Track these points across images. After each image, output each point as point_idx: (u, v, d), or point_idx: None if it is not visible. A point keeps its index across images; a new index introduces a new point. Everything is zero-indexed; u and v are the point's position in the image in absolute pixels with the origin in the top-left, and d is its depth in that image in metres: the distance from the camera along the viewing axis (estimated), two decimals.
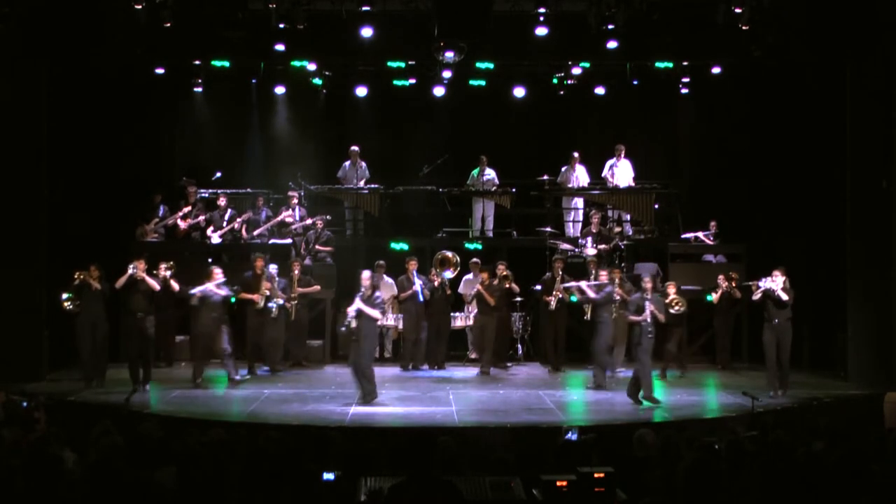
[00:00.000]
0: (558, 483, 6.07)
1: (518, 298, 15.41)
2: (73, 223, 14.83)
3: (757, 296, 13.11)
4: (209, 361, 13.81)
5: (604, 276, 14.11)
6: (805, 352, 15.48)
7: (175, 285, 14.31)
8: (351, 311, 12.23)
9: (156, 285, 13.41)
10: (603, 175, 17.19)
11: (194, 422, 10.50)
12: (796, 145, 15.73)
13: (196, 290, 13.50)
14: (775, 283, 12.89)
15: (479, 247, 16.33)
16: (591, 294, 14.13)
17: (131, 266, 13.26)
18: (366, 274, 12.74)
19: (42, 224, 14.01)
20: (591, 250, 15.88)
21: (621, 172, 17.10)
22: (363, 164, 17.18)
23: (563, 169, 17.31)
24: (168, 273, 14.16)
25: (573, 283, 14.75)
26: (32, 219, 13.89)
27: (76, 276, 13.28)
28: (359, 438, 9.67)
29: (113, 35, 14.13)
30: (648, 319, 12.43)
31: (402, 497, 5.40)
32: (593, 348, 13.86)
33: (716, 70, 16.34)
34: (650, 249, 16.91)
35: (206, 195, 16.87)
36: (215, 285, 13.48)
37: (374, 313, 12.24)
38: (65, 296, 13.40)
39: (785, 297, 12.87)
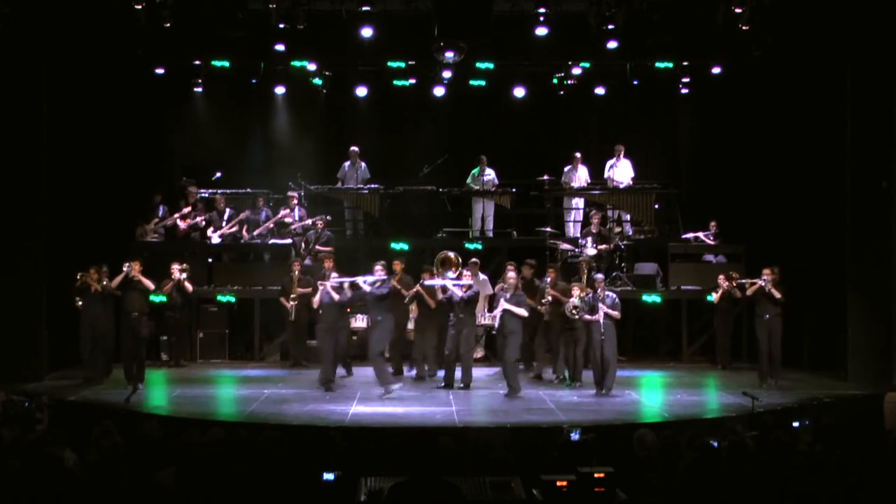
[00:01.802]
0: (558, 483, 6.07)
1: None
2: (73, 223, 14.83)
3: (750, 291, 13.91)
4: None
5: (379, 270, 13.14)
6: (805, 352, 15.50)
7: (189, 286, 14.53)
8: (497, 311, 12.82)
9: (150, 285, 13.58)
10: (606, 176, 17.19)
11: (194, 422, 10.49)
12: (796, 145, 15.72)
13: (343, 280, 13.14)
14: (767, 281, 13.59)
15: (479, 247, 16.32)
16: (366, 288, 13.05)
17: (125, 266, 13.43)
18: (511, 274, 13.18)
19: (42, 224, 14.00)
20: (591, 250, 15.87)
21: (621, 172, 17.11)
22: (363, 164, 17.19)
23: (566, 169, 17.31)
24: (183, 276, 14.39)
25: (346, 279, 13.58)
26: (32, 219, 13.89)
27: (78, 279, 13.36)
28: (359, 438, 9.66)
29: (113, 35, 14.12)
30: (601, 320, 12.74)
31: (403, 497, 5.40)
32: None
33: (716, 70, 16.32)
34: (650, 249, 16.90)
35: (206, 195, 16.88)
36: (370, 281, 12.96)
37: (521, 311, 12.83)
38: (76, 297, 13.61)
39: (777, 294, 13.60)
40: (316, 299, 13.24)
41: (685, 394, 13.24)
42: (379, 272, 13.08)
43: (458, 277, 13.80)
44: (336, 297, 13.02)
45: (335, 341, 13.22)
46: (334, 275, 13.21)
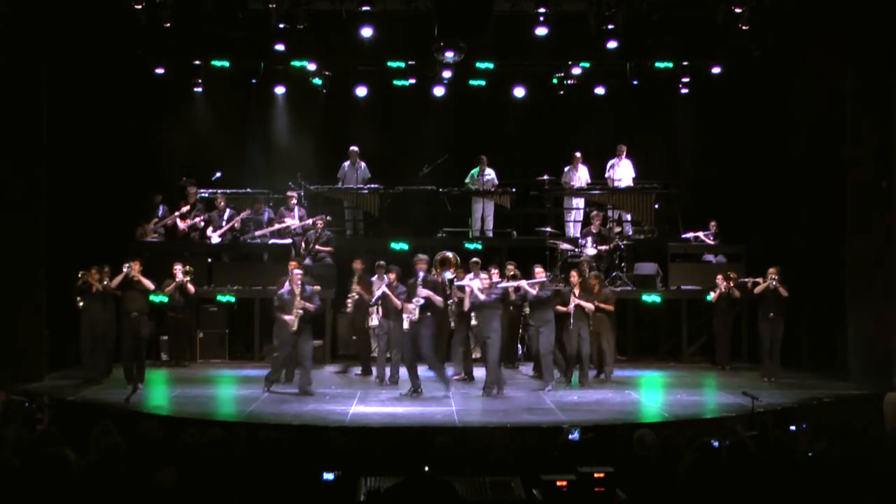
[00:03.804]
0: (558, 483, 6.07)
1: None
2: (73, 223, 14.83)
3: (758, 290, 14.09)
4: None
5: (540, 273, 13.43)
6: (805, 352, 15.49)
7: (191, 287, 14.52)
8: (569, 308, 13.38)
9: (150, 285, 13.55)
10: (606, 175, 17.20)
11: (194, 422, 10.49)
12: (796, 145, 15.72)
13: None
14: (774, 280, 13.88)
15: (479, 247, 16.31)
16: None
17: (125, 266, 13.41)
18: (573, 272, 13.76)
19: (42, 224, 14.00)
20: (591, 250, 15.87)
21: (622, 172, 17.12)
22: (363, 164, 17.20)
23: (566, 169, 17.33)
24: (186, 278, 14.43)
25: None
26: (32, 219, 13.88)
27: (78, 278, 13.36)
28: (359, 438, 9.67)
29: (113, 35, 14.12)
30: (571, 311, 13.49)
31: (400, 497, 5.40)
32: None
33: (716, 70, 16.33)
34: (650, 249, 16.90)
35: (206, 195, 16.88)
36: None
37: (590, 306, 13.55)
38: (77, 296, 13.61)
39: (785, 293, 13.95)
40: (466, 303, 13.18)
41: (685, 394, 13.24)
42: (540, 275, 13.35)
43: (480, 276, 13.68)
44: (482, 297, 12.96)
45: (495, 344, 12.97)
46: (470, 276, 13.41)
